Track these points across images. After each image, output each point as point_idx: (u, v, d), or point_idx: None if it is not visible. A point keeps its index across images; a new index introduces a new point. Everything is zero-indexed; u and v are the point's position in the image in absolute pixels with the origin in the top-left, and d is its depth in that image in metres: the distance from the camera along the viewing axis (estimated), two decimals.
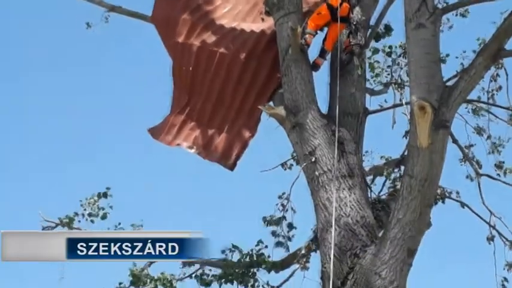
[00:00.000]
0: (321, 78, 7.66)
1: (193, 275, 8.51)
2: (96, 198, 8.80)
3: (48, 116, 18.74)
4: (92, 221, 8.73)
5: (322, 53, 7.56)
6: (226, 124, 7.95)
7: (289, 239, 8.47)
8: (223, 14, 8.41)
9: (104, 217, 8.80)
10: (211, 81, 8.03)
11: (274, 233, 8.45)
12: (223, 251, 8.43)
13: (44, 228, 8.49)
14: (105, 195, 8.92)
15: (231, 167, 7.82)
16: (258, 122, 7.89)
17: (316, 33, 7.48)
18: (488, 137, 8.86)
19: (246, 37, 8.00)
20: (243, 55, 7.81)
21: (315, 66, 7.52)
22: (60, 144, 17.87)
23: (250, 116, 7.88)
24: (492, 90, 8.94)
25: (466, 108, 8.73)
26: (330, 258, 6.21)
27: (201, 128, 8.03)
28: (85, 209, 8.78)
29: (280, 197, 8.65)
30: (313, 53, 7.62)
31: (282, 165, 9.22)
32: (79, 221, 8.71)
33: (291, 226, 8.50)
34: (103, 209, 8.82)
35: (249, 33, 8.04)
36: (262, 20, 8.03)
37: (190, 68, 8.12)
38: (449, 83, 6.32)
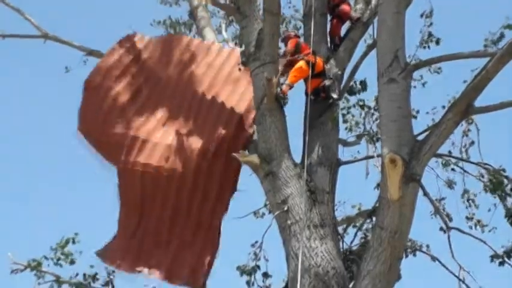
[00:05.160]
0: (296, 128, 7.79)
1: None
2: (64, 243, 8.71)
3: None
4: (61, 265, 8.64)
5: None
6: (186, 244, 7.52)
7: None
8: (155, 126, 7.77)
9: (72, 262, 8.71)
10: (162, 202, 7.60)
11: (248, 283, 8.37)
12: None
13: (12, 272, 8.39)
14: (73, 241, 8.83)
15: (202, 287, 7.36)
16: (219, 234, 7.55)
17: (293, 86, 7.65)
18: (465, 191, 8.98)
19: (187, 154, 7.54)
20: (190, 174, 7.43)
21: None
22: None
23: (209, 230, 7.55)
24: (465, 145, 9.10)
25: (436, 162, 8.87)
26: None
27: (160, 251, 7.52)
28: (55, 254, 8.69)
29: (252, 246, 8.62)
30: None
31: (254, 213, 9.21)
32: (48, 265, 8.61)
33: (266, 275, 8.43)
34: (71, 254, 8.73)
35: (189, 150, 7.56)
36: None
37: (138, 191, 7.61)
38: (420, 137, 6.42)
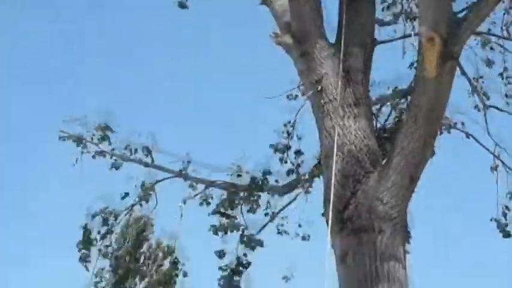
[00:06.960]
0: (331, 7, 7.62)
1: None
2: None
3: None
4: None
5: None
6: None
7: (299, 165, 8.61)
8: None
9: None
10: None
11: (281, 160, 8.58)
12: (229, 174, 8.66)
13: (60, 138, 8.98)
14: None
15: None
16: None
17: None
18: (505, 69, 8.81)
19: None
20: None
21: None
22: None
23: None
24: (506, 23, 8.83)
25: (475, 40, 8.66)
26: (331, 183, 6.23)
27: None
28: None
29: (285, 125, 8.74)
30: None
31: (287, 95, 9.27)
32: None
33: (299, 153, 8.61)
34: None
35: None
36: None
37: None
38: (459, 15, 6.24)
